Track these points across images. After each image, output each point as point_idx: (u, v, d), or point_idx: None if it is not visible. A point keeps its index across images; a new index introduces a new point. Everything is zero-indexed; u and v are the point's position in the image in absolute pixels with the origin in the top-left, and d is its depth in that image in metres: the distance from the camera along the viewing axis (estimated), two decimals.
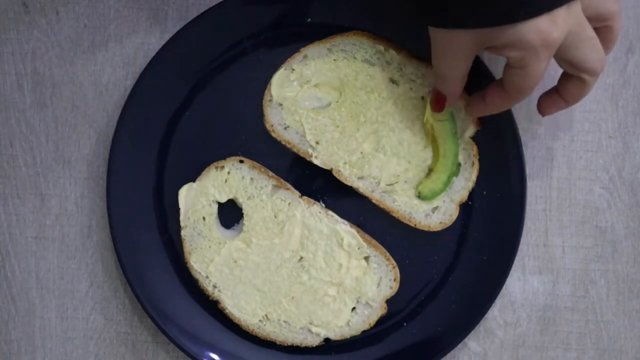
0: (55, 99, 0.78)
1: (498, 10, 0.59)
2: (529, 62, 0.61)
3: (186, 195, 0.75)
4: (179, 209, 0.75)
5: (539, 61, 0.61)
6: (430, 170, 0.74)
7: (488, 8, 0.59)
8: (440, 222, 0.74)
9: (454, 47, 0.64)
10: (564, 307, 0.78)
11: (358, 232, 0.74)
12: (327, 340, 0.75)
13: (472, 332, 0.76)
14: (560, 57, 0.63)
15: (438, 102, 0.69)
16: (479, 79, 0.73)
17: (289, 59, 0.74)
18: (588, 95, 0.77)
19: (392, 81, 0.74)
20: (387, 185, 0.74)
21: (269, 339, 0.75)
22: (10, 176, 0.78)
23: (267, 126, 0.74)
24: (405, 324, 0.76)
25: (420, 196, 0.74)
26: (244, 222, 0.75)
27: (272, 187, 0.74)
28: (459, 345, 0.76)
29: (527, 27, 0.59)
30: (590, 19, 0.62)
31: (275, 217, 0.74)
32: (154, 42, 0.77)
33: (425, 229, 0.74)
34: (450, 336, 0.75)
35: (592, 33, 0.62)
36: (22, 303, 0.78)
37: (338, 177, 0.74)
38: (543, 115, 0.71)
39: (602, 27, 0.64)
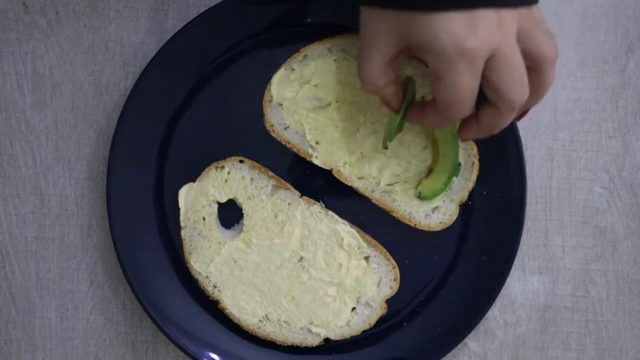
0: (55, 99, 0.78)
1: None
2: (445, 71, 0.56)
3: (186, 195, 0.75)
4: (179, 209, 0.75)
5: (456, 73, 0.56)
6: (430, 170, 0.74)
7: None
8: (440, 222, 0.74)
9: (377, 33, 0.59)
10: (564, 307, 0.78)
11: (358, 232, 0.74)
12: (327, 340, 0.75)
13: (472, 332, 0.76)
14: (483, 77, 0.58)
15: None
16: None
17: (289, 59, 0.74)
18: (588, 95, 0.78)
19: None
20: (387, 185, 0.74)
21: (269, 339, 0.75)
22: (10, 176, 0.78)
23: (267, 126, 0.74)
24: (405, 324, 0.76)
25: (420, 196, 0.74)
26: (244, 222, 0.75)
27: (272, 187, 0.74)
28: (459, 345, 0.76)
29: (440, 26, 0.55)
30: (522, 53, 0.57)
31: (275, 217, 0.74)
32: (154, 42, 0.77)
33: (425, 229, 0.74)
34: (450, 336, 0.75)
35: (522, 62, 0.57)
36: (22, 303, 0.78)
37: (338, 177, 0.74)
38: (462, 140, 0.67)
39: (533, 70, 0.59)
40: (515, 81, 0.58)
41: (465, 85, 0.57)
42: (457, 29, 0.55)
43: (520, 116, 0.66)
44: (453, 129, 0.73)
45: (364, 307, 0.75)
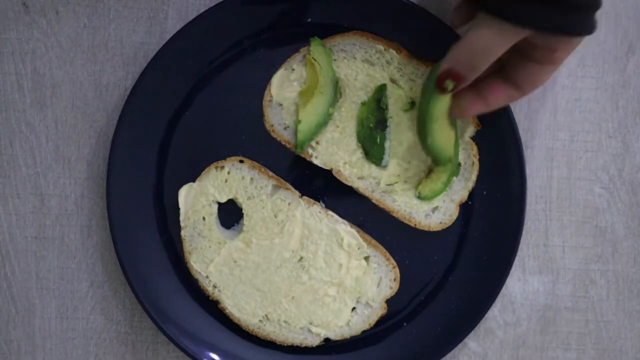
0: (55, 99, 0.78)
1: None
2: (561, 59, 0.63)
3: (186, 195, 0.75)
4: (179, 209, 0.75)
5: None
6: (430, 170, 0.74)
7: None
8: (440, 222, 0.74)
9: (506, 38, 0.62)
10: (564, 307, 0.78)
11: (358, 232, 0.74)
12: (327, 340, 0.75)
13: (472, 332, 0.76)
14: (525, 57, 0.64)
15: (452, 78, 0.65)
16: None
17: (289, 59, 0.74)
18: (588, 95, 0.78)
19: (392, 81, 0.74)
20: (387, 185, 0.74)
21: (269, 339, 0.75)
22: (10, 176, 0.78)
23: (267, 126, 0.74)
24: (405, 324, 0.76)
25: (420, 196, 0.74)
26: (244, 222, 0.75)
27: (272, 187, 0.74)
28: (459, 345, 0.76)
29: None
30: (538, 47, 0.63)
31: (275, 217, 0.74)
32: (154, 42, 0.77)
33: (425, 229, 0.74)
34: (450, 336, 0.75)
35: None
36: (22, 303, 0.78)
37: (338, 177, 0.74)
38: (464, 116, 0.69)
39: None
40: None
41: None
42: None
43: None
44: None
45: (364, 307, 0.75)
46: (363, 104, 0.73)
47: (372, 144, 0.73)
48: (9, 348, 0.78)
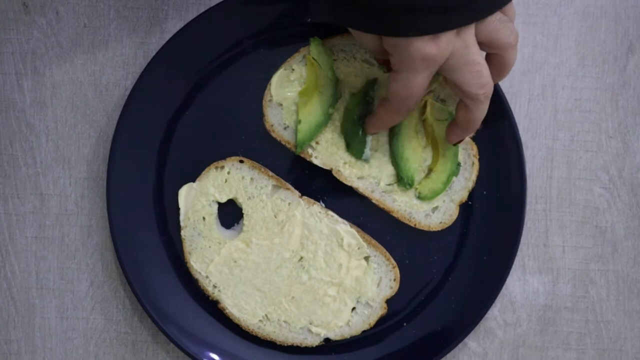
0: (55, 99, 0.78)
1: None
2: (404, 68, 0.61)
3: (186, 195, 0.75)
4: (179, 209, 0.75)
5: (414, 72, 0.60)
6: (430, 170, 0.74)
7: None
8: (440, 222, 0.74)
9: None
10: (564, 307, 0.78)
11: (358, 232, 0.74)
12: (327, 340, 0.75)
13: (472, 332, 0.76)
14: (446, 77, 0.63)
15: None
16: None
17: (289, 59, 0.74)
18: (588, 95, 0.78)
19: None
20: (387, 185, 0.74)
21: (269, 339, 0.75)
22: (10, 176, 0.78)
23: (267, 126, 0.74)
24: (405, 324, 0.76)
25: (420, 196, 0.74)
26: (244, 222, 0.75)
27: (272, 187, 0.74)
28: (459, 345, 0.76)
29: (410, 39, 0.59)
30: (482, 44, 0.61)
31: (275, 217, 0.74)
32: (154, 42, 0.77)
33: (425, 229, 0.74)
34: (450, 336, 0.75)
35: (479, 58, 0.61)
36: (22, 303, 0.78)
37: (338, 177, 0.74)
38: (452, 144, 0.71)
39: (494, 55, 0.63)
40: (472, 77, 0.61)
41: (418, 83, 0.61)
42: (425, 40, 0.59)
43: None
44: None
45: (364, 307, 0.75)
46: (352, 94, 0.73)
47: (353, 136, 0.72)
48: (9, 348, 0.78)
